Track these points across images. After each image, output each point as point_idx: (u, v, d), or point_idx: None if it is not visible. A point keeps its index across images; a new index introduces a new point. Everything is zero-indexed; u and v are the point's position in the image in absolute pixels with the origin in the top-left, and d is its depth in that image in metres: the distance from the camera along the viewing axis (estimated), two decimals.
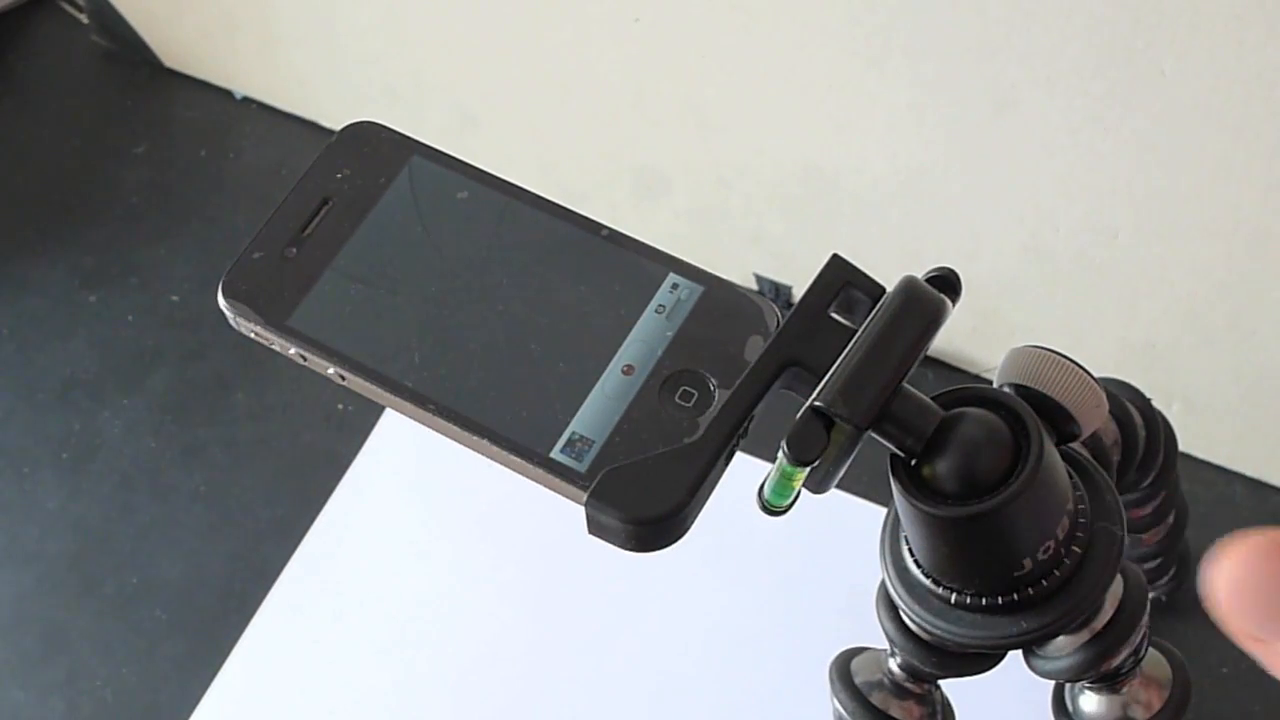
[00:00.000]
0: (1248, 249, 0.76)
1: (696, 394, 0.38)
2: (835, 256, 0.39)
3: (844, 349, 0.38)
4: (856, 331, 0.38)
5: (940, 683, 0.53)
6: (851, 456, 0.39)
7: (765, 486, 0.38)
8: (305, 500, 0.98)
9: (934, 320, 0.38)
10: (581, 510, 0.37)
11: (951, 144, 0.80)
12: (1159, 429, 0.62)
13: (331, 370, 0.40)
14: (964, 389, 0.41)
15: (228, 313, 0.41)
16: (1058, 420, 0.42)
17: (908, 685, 0.52)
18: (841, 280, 0.39)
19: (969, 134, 0.79)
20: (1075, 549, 0.42)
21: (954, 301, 0.39)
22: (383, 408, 0.42)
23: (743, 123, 0.89)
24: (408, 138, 0.44)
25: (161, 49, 1.20)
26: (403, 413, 0.40)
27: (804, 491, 0.39)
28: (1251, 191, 0.72)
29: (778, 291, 1.00)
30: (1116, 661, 0.46)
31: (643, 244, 0.41)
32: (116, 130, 1.20)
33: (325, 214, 0.42)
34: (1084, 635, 0.45)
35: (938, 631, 0.44)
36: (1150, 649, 0.48)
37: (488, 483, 0.73)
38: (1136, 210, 0.77)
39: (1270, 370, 0.83)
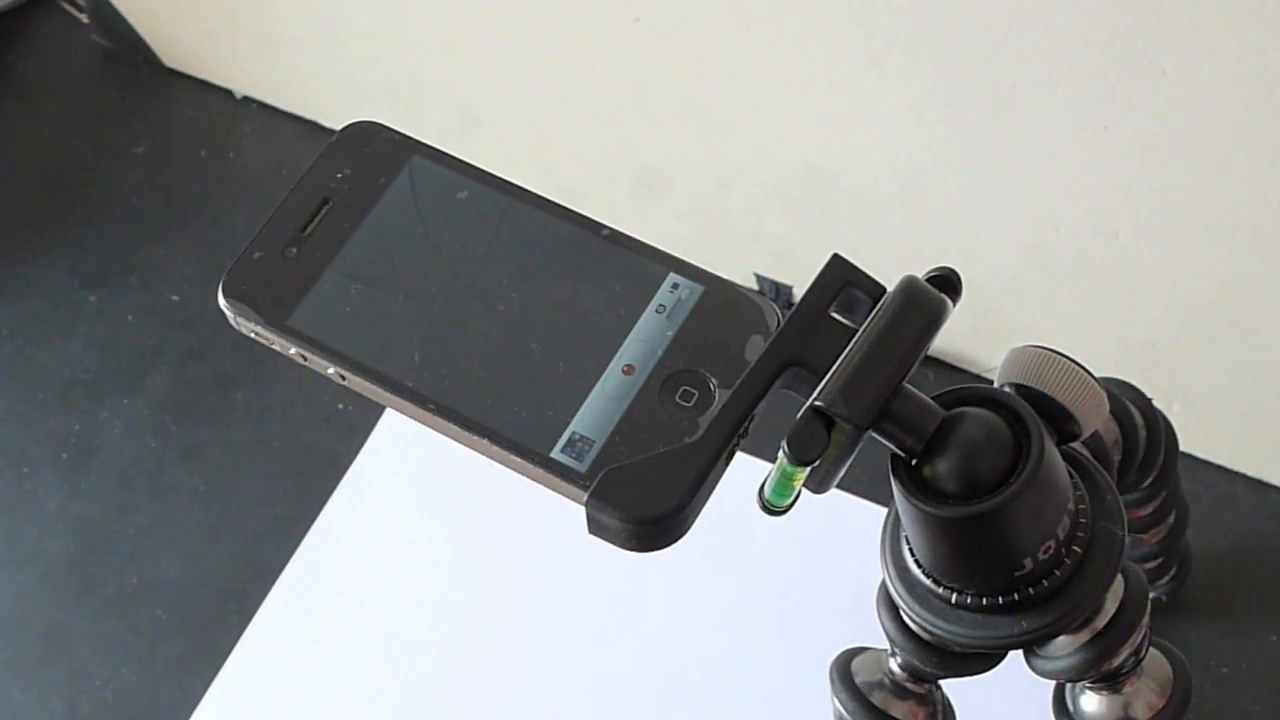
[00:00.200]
0: (1248, 249, 0.76)
1: (697, 394, 0.38)
2: (836, 256, 0.39)
3: (844, 349, 0.38)
4: (857, 331, 0.38)
5: (941, 683, 0.53)
6: (852, 456, 0.39)
7: (765, 486, 0.38)
8: (305, 500, 0.98)
9: (935, 320, 0.38)
10: (582, 510, 0.37)
11: (952, 144, 0.80)
12: (1160, 429, 0.62)
13: (331, 370, 0.40)
14: (964, 389, 0.41)
15: (228, 313, 0.41)
16: (1058, 420, 0.42)
17: (908, 685, 0.52)
18: (842, 280, 0.39)
19: (969, 134, 0.79)
20: (1076, 549, 0.42)
21: (954, 301, 0.39)
22: (383, 408, 0.42)
23: (743, 123, 0.88)
24: (408, 138, 0.44)
25: (161, 49, 1.20)
26: (403, 413, 0.40)
27: (804, 491, 0.39)
28: (1252, 191, 0.72)
29: (778, 291, 1.00)
30: (1117, 661, 0.46)
31: (643, 244, 0.41)
32: (116, 130, 1.20)
33: (325, 214, 0.42)
34: (1085, 635, 0.45)
35: (938, 631, 0.44)
36: (1151, 649, 0.48)
37: (488, 483, 0.73)
38: (1137, 210, 0.77)
39: (1270, 370, 0.83)
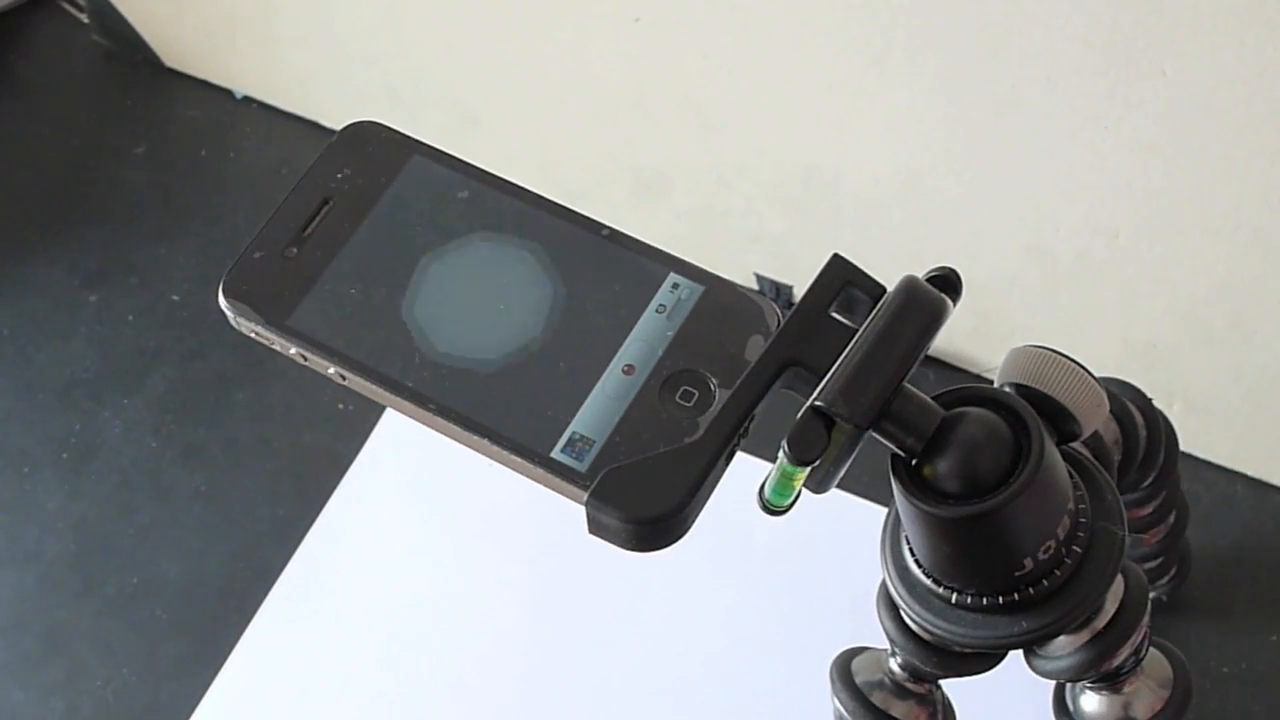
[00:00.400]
0: (1248, 249, 0.76)
1: (697, 394, 0.38)
2: (836, 256, 0.39)
3: (845, 349, 0.38)
4: (857, 331, 0.38)
5: (941, 683, 0.53)
6: (852, 456, 0.39)
7: (766, 486, 0.38)
8: (305, 500, 0.98)
9: (935, 320, 0.38)
10: (582, 510, 0.37)
11: (952, 144, 0.80)
12: (1160, 429, 0.62)
13: (332, 370, 0.40)
14: (965, 389, 0.41)
15: (228, 313, 0.41)
16: (1058, 420, 0.42)
17: (908, 685, 0.52)
18: (842, 280, 0.39)
19: (969, 134, 0.79)
20: (1076, 549, 0.42)
21: (955, 301, 0.39)
22: (383, 408, 0.42)
23: (743, 123, 0.88)
24: (408, 138, 0.44)
25: (161, 49, 1.20)
26: (403, 413, 0.40)
27: (804, 491, 0.39)
28: (1252, 191, 0.72)
29: (778, 291, 0.99)
30: (1117, 661, 0.46)
31: (643, 244, 0.41)
32: (116, 130, 1.20)
33: (326, 214, 0.42)
34: (1085, 635, 0.45)
35: (939, 631, 0.44)
36: (1151, 649, 0.48)
37: (488, 483, 0.73)
38: (1137, 210, 0.77)
39: (1270, 370, 0.83)
